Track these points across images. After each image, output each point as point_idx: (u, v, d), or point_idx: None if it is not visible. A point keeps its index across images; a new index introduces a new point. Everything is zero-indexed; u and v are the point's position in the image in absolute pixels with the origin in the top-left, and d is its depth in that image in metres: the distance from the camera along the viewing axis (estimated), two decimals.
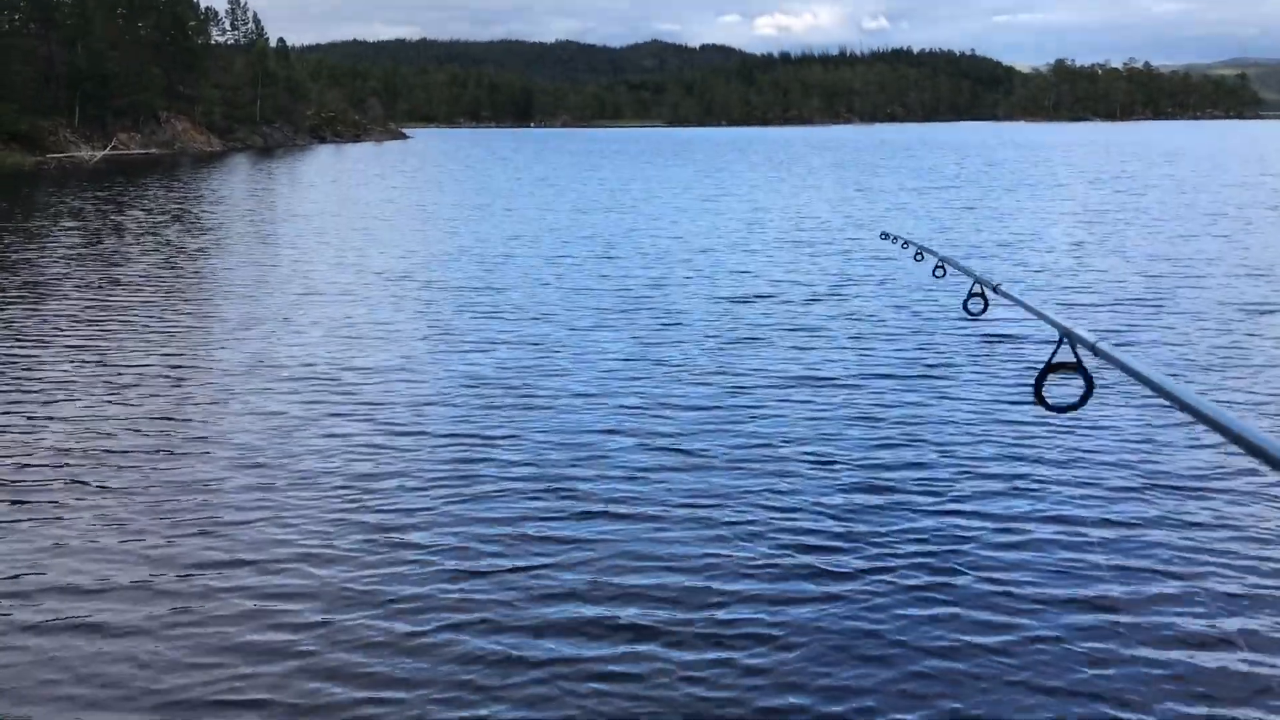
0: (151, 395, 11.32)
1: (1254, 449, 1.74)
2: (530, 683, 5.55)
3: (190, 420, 10.39)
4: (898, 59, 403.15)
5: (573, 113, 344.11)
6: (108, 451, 9.35)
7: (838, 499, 8.22)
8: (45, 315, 16.16)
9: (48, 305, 17.03)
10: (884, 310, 15.65)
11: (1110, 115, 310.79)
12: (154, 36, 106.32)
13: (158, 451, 9.38)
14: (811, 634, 6.07)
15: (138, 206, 36.68)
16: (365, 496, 8.20)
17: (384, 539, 7.37)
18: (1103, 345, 2.52)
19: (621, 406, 10.74)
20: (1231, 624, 6.33)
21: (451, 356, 13.05)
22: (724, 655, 5.81)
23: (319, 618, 6.24)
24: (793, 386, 11.44)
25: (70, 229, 29.19)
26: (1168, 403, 2.04)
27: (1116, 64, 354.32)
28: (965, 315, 4.67)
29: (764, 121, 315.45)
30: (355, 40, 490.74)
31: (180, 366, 12.66)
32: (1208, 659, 5.94)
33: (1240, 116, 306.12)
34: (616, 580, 6.74)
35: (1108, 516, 7.95)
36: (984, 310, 4.57)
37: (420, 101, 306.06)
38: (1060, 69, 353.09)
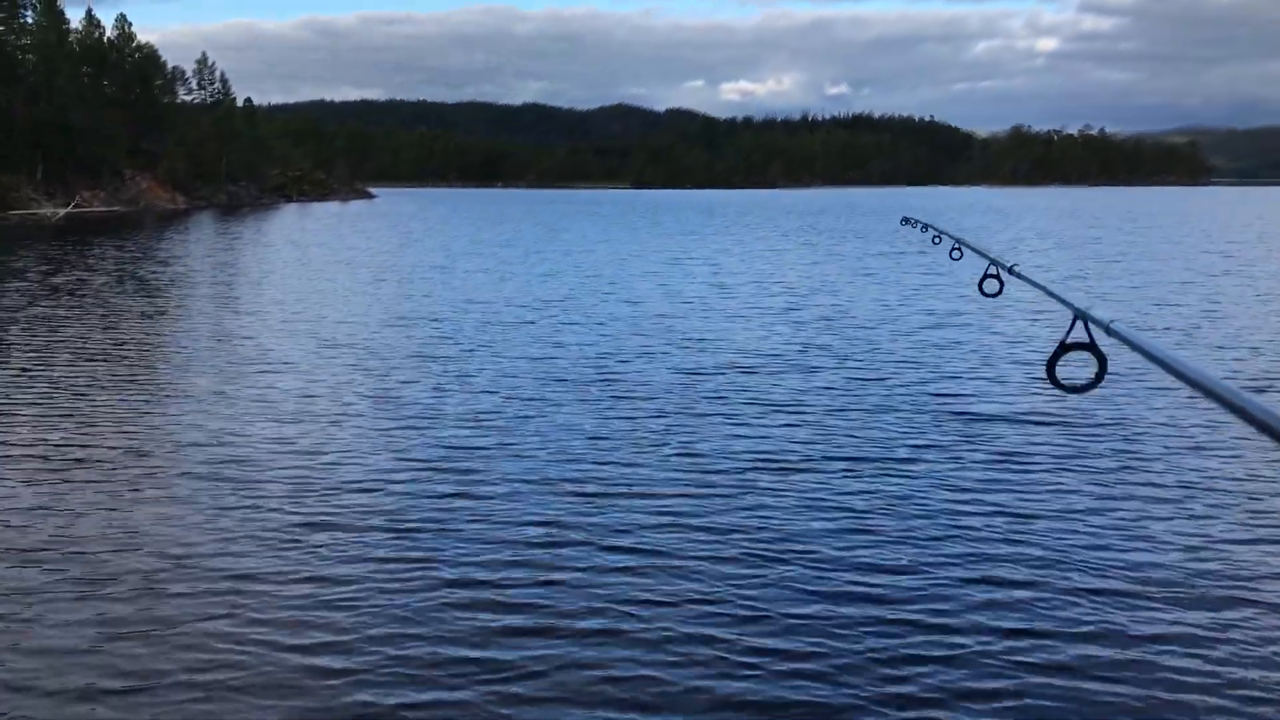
0: (60, 472, 10.81)
1: (1266, 427, 1.71)
2: None
3: (107, 507, 9.32)
4: (859, 125, 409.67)
5: (539, 175, 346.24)
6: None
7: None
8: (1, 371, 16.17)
9: (6, 358, 17.10)
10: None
11: (1066, 180, 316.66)
12: (119, 94, 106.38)
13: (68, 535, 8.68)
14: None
15: (94, 266, 36.57)
16: (285, 588, 7.53)
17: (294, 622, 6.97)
18: (1116, 325, 2.51)
19: (577, 494, 9.82)
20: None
21: (393, 435, 11.95)
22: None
23: None
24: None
25: (23, 287, 29.04)
26: (1182, 383, 2.04)
27: (1072, 130, 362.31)
28: (981, 296, 4.72)
29: (728, 184, 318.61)
30: (322, 101, 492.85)
31: (103, 445, 11.50)
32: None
33: (1193, 183, 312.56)
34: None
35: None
36: (999, 291, 4.65)
37: (387, 162, 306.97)
38: (1017, 135, 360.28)
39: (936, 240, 6.82)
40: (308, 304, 24.80)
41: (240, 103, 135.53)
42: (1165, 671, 5.91)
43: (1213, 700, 5.65)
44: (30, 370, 16.09)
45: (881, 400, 12.85)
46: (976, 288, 4.71)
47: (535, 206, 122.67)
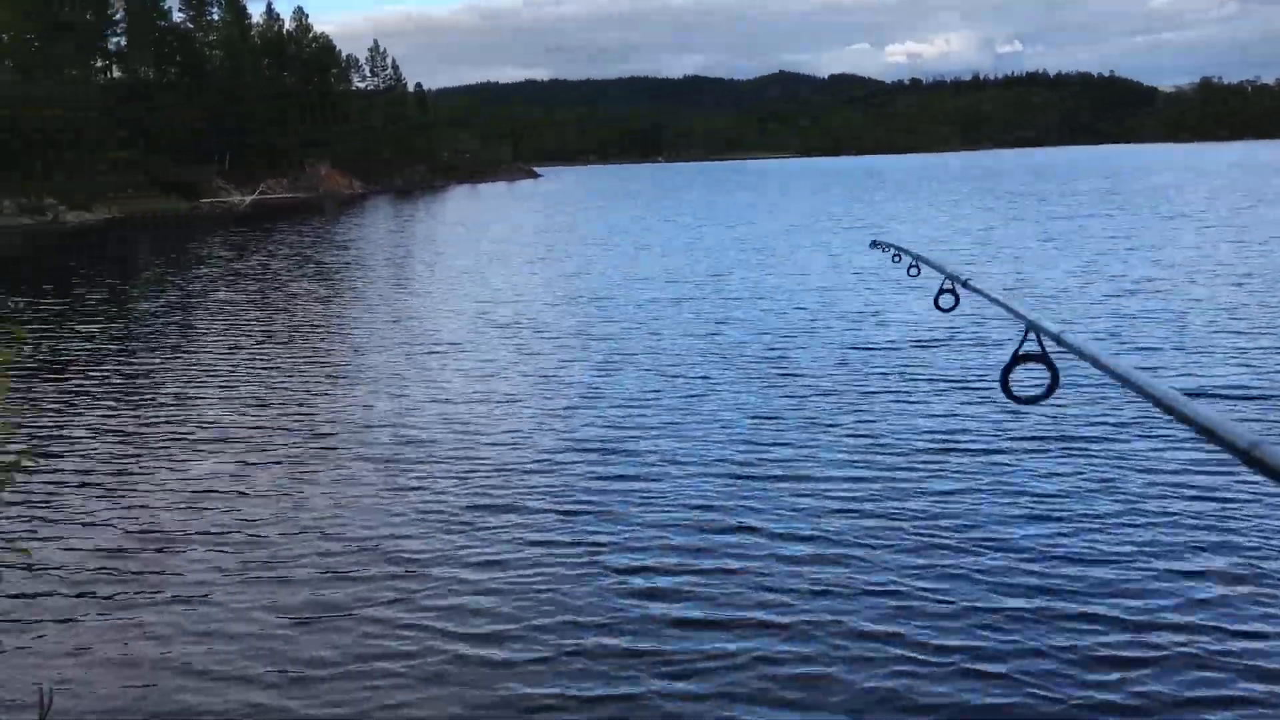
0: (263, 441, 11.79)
1: (1211, 434, 1.77)
2: None
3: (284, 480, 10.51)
4: (1032, 83, 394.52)
5: (700, 147, 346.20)
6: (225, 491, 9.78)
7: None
8: (186, 356, 17.16)
9: (191, 343, 18.05)
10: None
11: (1260, 134, 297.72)
12: (298, 84, 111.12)
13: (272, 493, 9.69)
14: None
15: (275, 251, 38.32)
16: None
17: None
18: (1066, 335, 2.51)
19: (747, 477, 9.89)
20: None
21: (560, 415, 11.93)
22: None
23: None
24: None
25: (210, 273, 30.60)
26: (1132, 391, 2.04)
27: (1268, 80, 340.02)
28: (937, 311, 4.58)
29: (893, 150, 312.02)
30: (488, 83, 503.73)
31: (278, 427, 12.01)
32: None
33: None
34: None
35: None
36: (955, 306, 4.53)
37: (551, 140, 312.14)
38: (1206, 87, 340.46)
39: (897, 259, 6.70)
40: (476, 284, 25.28)
41: (411, 88, 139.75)
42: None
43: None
44: (211, 354, 16.86)
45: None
46: (933, 303, 4.57)
47: (696, 180, 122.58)
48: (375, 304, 22.64)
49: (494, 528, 8.28)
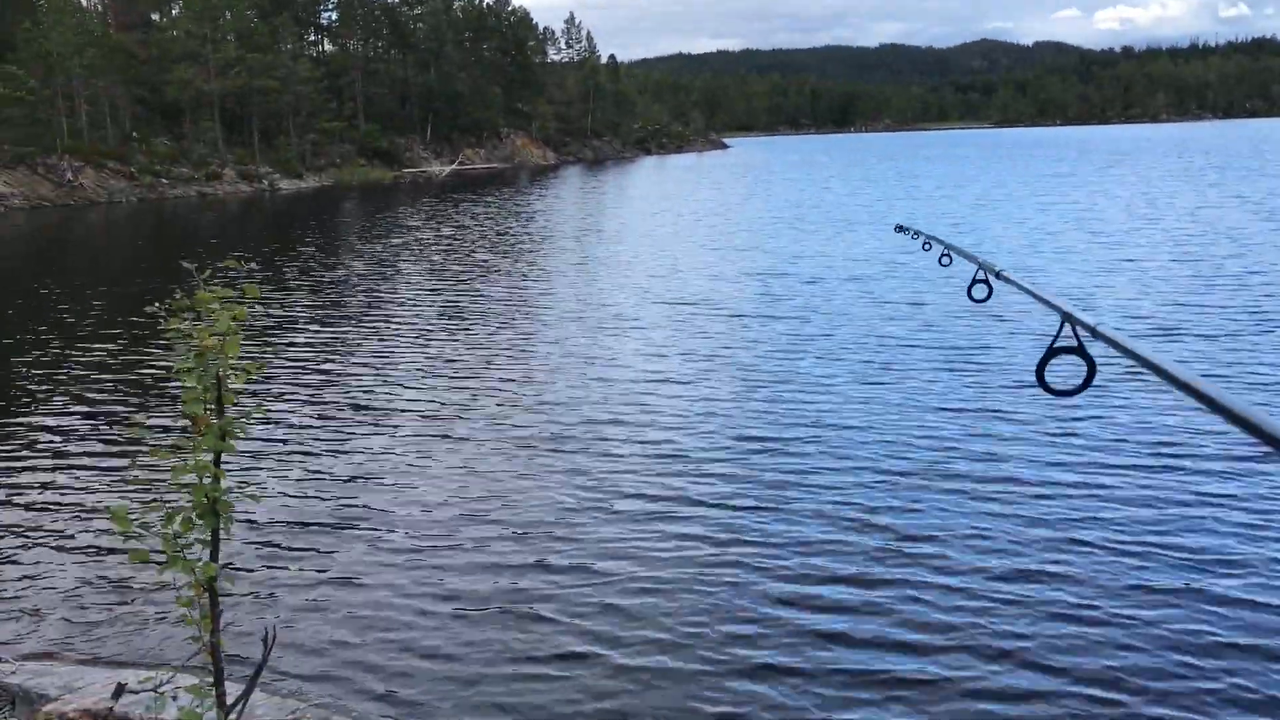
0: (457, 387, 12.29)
1: (1252, 428, 1.73)
2: None
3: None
4: (1260, 49, 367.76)
5: (894, 116, 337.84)
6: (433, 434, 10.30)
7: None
8: (374, 328, 17.94)
9: (377, 315, 18.89)
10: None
11: None
12: (496, 57, 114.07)
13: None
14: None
15: (469, 220, 39.53)
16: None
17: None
18: (1102, 328, 2.51)
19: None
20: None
21: (732, 403, 11.91)
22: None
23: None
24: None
25: (404, 242, 31.95)
26: (1168, 384, 2.02)
27: None
28: (970, 302, 4.51)
29: (1103, 120, 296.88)
30: (680, 54, 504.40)
31: (453, 405, 12.50)
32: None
33: None
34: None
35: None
36: (988, 297, 4.46)
37: (741, 111, 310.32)
38: None
39: (927, 247, 6.29)
40: (656, 259, 25.49)
41: (604, 60, 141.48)
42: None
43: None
44: (396, 327, 17.55)
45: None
46: (966, 293, 4.40)
47: (887, 150, 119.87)
48: (555, 278, 23.14)
49: (658, 521, 8.30)
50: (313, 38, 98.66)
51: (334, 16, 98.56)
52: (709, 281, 21.40)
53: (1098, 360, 2.69)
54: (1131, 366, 2.42)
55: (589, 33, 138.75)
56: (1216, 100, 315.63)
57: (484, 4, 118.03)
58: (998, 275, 4.13)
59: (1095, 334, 2.57)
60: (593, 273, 24.00)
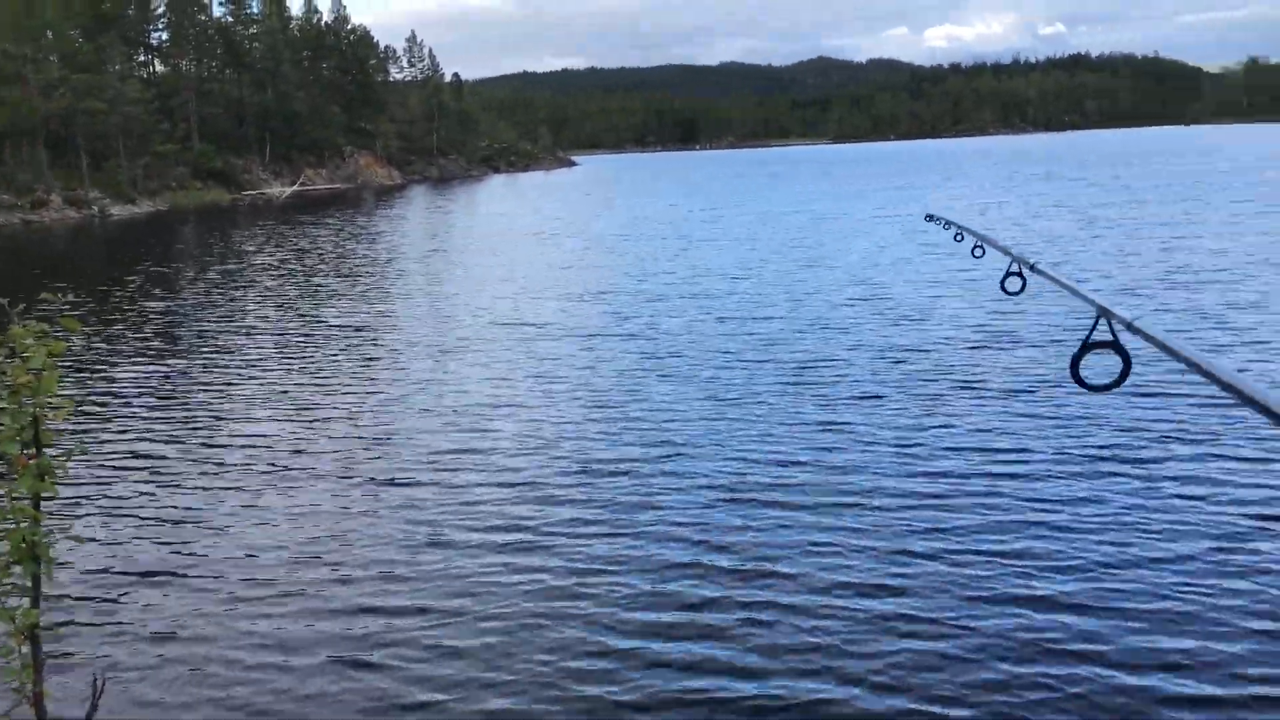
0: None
1: None
2: None
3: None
4: (1075, 65, 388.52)
5: (737, 133, 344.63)
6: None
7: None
8: (209, 355, 17.17)
9: (213, 342, 18.06)
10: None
11: None
12: (336, 76, 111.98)
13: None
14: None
15: (309, 244, 38.54)
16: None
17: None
18: (1139, 322, 2.48)
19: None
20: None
21: (587, 428, 11.89)
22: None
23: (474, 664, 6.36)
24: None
25: (242, 268, 30.95)
26: (1206, 380, 2.00)
27: None
28: (1003, 294, 4.56)
29: (935, 134, 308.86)
30: (525, 72, 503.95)
31: (268, 439, 12.56)
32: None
33: None
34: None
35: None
36: (1022, 289, 4.54)
37: (587, 129, 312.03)
38: (1253, 68, 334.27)
39: (959, 239, 6.53)
40: (504, 279, 25.12)
41: (448, 78, 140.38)
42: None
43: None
44: (233, 355, 16.79)
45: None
46: (999, 285, 4.56)
47: (731, 168, 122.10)
48: (399, 302, 22.55)
49: (500, 555, 8.08)
50: (143, 58, 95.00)
51: (164, 36, 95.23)
52: (556, 302, 21.22)
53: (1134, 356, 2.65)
54: (1171, 361, 2.30)
55: (431, 51, 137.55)
56: (1038, 114, 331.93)
57: (322, 23, 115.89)
58: (1032, 268, 4.12)
59: (1132, 329, 2.54)
60: (438, 296, 23.52)
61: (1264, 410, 1.81)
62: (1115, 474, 8.91)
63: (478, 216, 53.93)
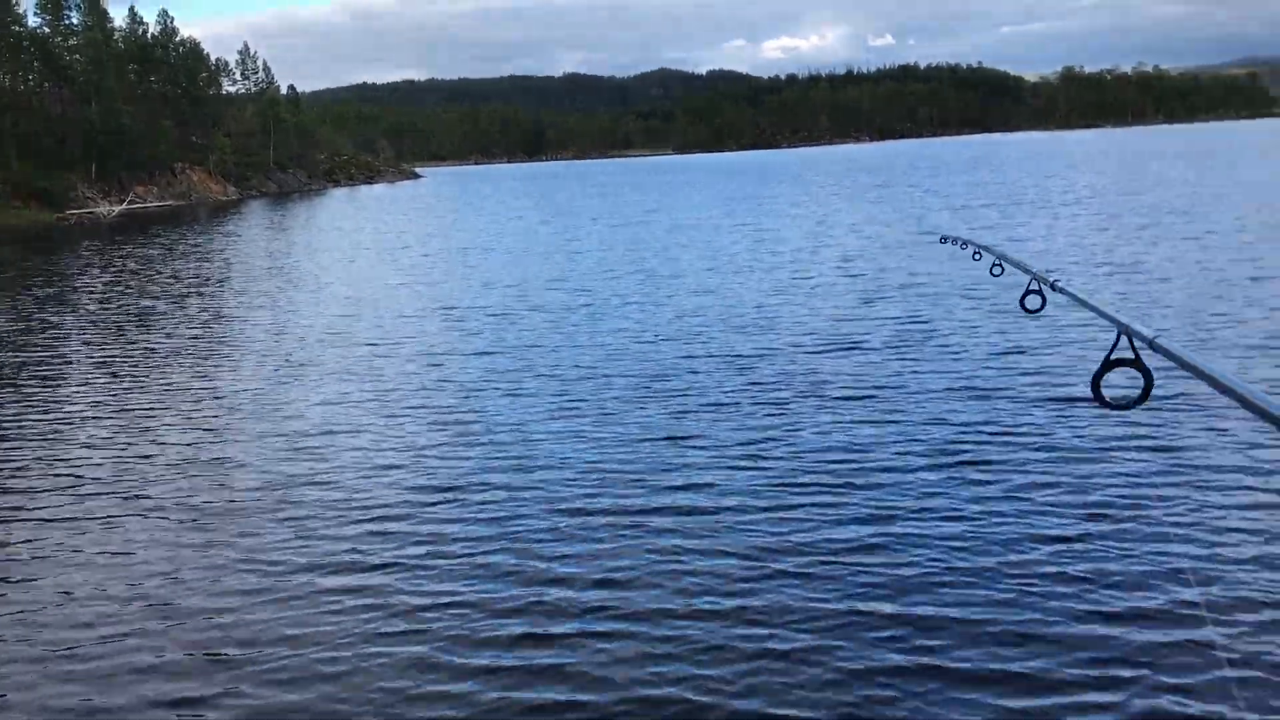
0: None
1: None
2: None
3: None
4: (905, 75, 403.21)
5: (583, 145, 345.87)
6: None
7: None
8: (22, 385, 16.15)
9: (26, 371, 17.01)
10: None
11: (1122, 120, 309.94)
12: (166, 90, 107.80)
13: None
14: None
15: (133, 269, 36.78)
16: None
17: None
18: (1161, 340, 2.48)
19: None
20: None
21: (431, 455, 11.45)
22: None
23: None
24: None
25: (61, 293, 29.35)
26: (1230, 400, 1.99)
27: (1125, 68, 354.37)
28: (1023, 312, 4.65)
29: (775, 144, 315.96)
30: (364, 84, 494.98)
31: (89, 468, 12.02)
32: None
33: (1253, 116, 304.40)
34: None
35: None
36: (1042, 307, 4.58)
37: (431, 141, 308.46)
38: (1069, 76, 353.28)
39: (977, 257, 6.65)
40: (346, 298, 24.50)
41: (284, 90, 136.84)
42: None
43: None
44: (50, 383, 15.80)
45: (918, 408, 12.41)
46: (1019, 303, 4.63)
47: (577, 179, 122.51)
48: (233, 324, 21.56)
49: (332, 596, 7.73)
50: None
51: None
52: (398, 319, 20.74)
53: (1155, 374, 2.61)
54: (1194, 380, 2.33)
55: (265, 63, 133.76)
56: (872, 123, 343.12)
57: (148, 34, 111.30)
58: (1053, 286, 4.07)
59: (1154, 347, 2.52)
60: (275, 315, 22.54)
61: None
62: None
63: (316, 232, 52.44)
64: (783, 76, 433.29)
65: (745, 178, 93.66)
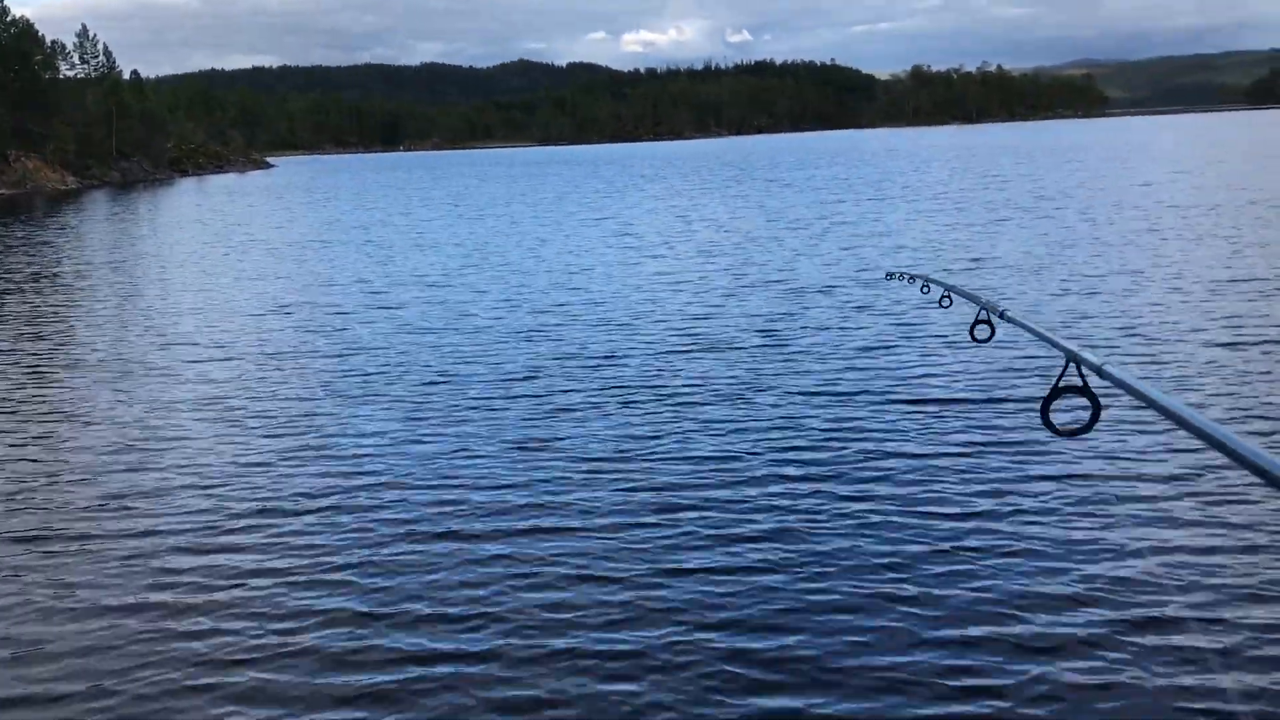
0: None
1: (1260, 471, 1.74)
2: None
3: None
4: (762, 71, 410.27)
5: (442, 136, 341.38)
6: None
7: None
8: None
9: None
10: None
11: (968, 118, 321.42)
12: None
13: None
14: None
15: None
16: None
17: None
18: (1108, 368, 2.51)
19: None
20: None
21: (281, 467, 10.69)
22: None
23: None
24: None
25: None
26: (1175, 425, 2.00)
27: (970, 68, 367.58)
28: (972, 342, 4.61)
29: (636, 137, 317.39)
30: (213, 70, 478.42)
31: None
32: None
33: (1088, 115, 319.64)
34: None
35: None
36: (990, 336, 4.56)
37: (284, 130, 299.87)
38: (918, 75, 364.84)
39: (925, 290, 6.71)
40: (190, 297, 23.23)
41: (127, 75, 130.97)
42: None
43: None
44: None
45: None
46: (969, 333, 4.63)
47: (439, 170, 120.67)
48: (57, 323, 20.10)
49: (147, 611, 7.06)
50: None
51: None
52: (236, 319, 19.67)
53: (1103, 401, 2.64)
54: (1141, 406, 2.36)
55: (106, 46, 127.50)
56: (730, 117, 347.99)
57: None
58: (1001, 315, 4.08)
59: (1101, 374, 2.55)
60: (104, 315, 21.05)
61: (1230, 454, 1.83)
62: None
63: (158, 225, 50.07)
64: (642, 70, 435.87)
65: (608, 172, 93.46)
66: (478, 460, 10.15)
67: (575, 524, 8.35)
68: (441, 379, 13.80)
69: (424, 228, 40.09)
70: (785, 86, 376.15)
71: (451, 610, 6.95)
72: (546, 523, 8.41)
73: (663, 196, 52.87)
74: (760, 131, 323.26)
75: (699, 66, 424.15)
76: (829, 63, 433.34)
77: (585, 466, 9.80)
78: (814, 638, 6.46)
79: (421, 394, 13.00)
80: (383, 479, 9.68)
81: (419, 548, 8.01)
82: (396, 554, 7.90)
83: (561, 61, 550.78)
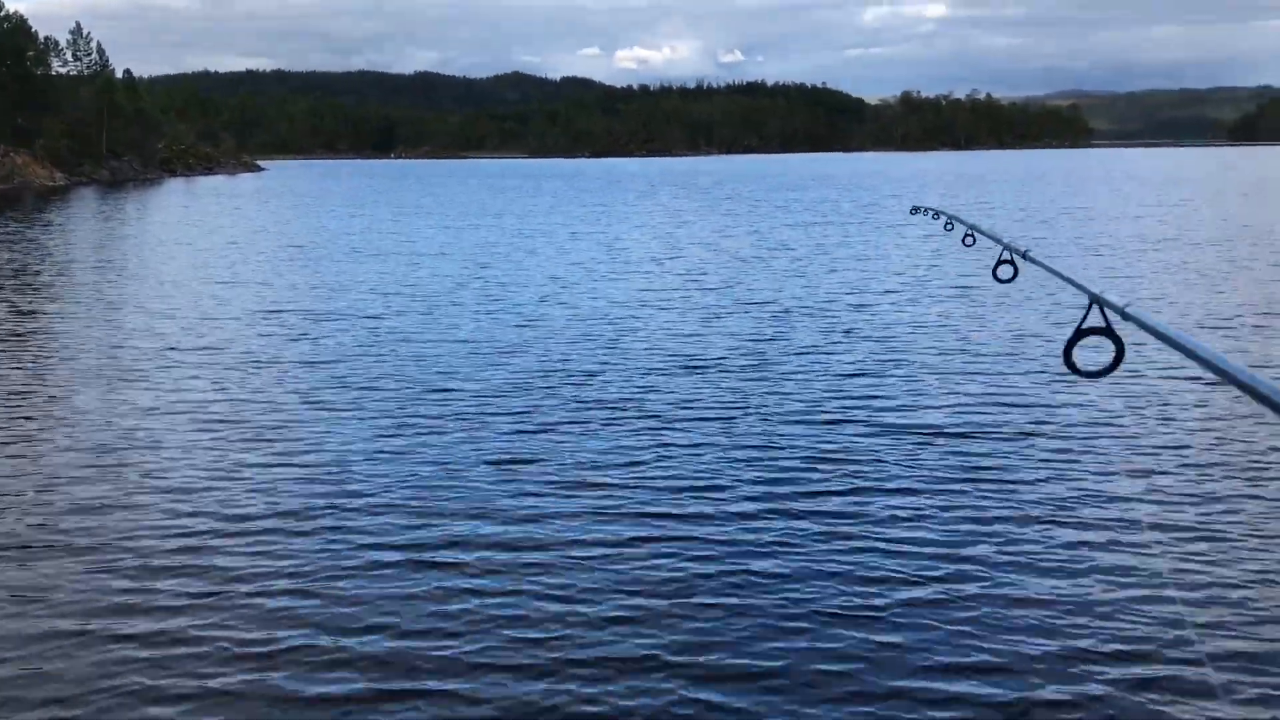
0: None
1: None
2: None
3: None
4: (753, 91, 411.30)
5: (435, 144, 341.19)
6: None
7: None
8: None
9: None
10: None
11: (956, 145, 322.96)
12: None
13: None
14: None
15: None
16: None
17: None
18: (1132, 309, 2.52)
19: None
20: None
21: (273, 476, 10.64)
22: None
23: None
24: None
25: None
26: (1199, 366, 2.03)
27: (960, 95, 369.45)
28: (995, 282, 4.71)
29: (628, 152, 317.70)
30: (207, 72, 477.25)
31: None
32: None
33: (1074, 146, 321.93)
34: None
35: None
36: (1014, 277, 4.63)
37: (276, 133, 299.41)
38: (907, 100, 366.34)
39: (949, 228, 6.83)
40: (176, 299, 23.18)
41: (120, 74, 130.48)
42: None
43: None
44: None
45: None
46: (991, 274, 4.73)
47: (432, 179, 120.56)
48: (36, 323, 20.04)
49: (117, 635, 7.14)
50: None
51: None
52: (215, 325, 19.54)
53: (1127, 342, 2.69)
54: (1164, 347, 2.35)
55: (99, 44, 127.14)
56: (721, 136, 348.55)
57: None
58: (1024, 255, 4.12)
59: (1125, 315, 2.55)
60: (82, 317, 20.89)
61: (1256, 395, 1.83)
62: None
63: (145, 225, 49.88)
64: (635, 87, 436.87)
65: (601, 186, 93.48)
66: (457, 474, 10.19)
67: (553, 540, 8.39)
68: (424, 390, 13.81)
69: (410, 236, 39.99)
70: (776, 107, 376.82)
71: (425, 624, 7.01)
72: (525, 538, 8.45)
73: (656, 213, 52.93)
74: (750, 151, 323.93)
75: (691, 85, 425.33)
76: (820, 85, 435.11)
77: (565, 481, 9.84)
78: (813, 643, 6.58)
79: (402, 405, 12.99)
80: (360, 490, 9.70)
81: (394, 558, 8.06)
82: (372, 565, 7.95)
83: (555, 75, 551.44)
